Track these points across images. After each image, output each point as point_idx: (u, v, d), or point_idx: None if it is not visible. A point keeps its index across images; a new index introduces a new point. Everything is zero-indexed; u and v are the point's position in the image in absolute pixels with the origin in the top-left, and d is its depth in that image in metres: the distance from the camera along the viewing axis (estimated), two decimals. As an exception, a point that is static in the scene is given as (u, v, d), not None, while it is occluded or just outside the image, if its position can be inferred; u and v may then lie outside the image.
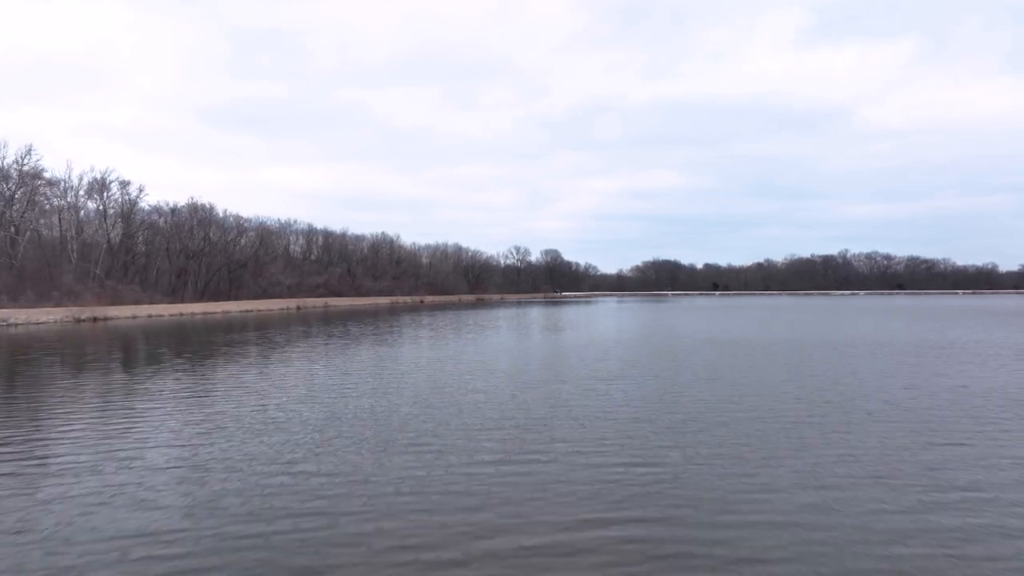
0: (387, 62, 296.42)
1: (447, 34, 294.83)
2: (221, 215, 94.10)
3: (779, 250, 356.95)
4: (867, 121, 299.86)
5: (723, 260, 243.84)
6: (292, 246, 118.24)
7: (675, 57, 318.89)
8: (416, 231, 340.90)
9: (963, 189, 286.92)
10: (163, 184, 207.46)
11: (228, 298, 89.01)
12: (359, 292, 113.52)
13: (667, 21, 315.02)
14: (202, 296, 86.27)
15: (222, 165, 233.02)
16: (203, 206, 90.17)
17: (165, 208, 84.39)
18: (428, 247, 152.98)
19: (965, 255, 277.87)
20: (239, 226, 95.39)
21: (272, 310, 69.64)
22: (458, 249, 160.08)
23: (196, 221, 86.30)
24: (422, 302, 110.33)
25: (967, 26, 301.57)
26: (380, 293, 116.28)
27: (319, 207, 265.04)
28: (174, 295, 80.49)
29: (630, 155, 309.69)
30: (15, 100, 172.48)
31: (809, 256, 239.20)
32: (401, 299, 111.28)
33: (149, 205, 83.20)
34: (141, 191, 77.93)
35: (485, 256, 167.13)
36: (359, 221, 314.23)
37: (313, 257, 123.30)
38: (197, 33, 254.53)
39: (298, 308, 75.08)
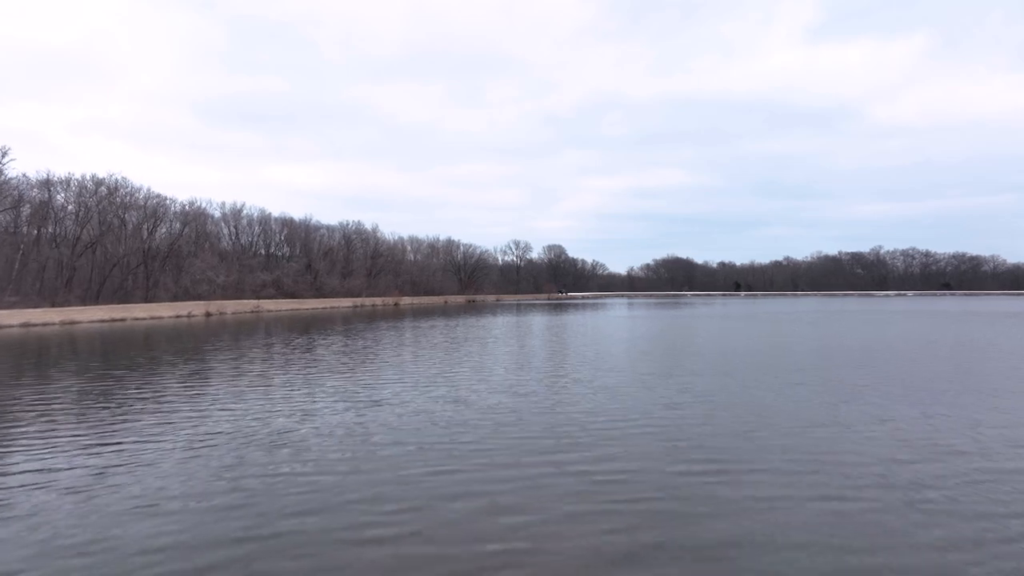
0: (392, 57, 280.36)
1: (453, 28, 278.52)
2: (139, 195, 74.08)
3: (783, 249, 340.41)
4: (878, 118, 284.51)
5: (726, 259, 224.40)
6: (243, 237, 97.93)
7: (684, 53, 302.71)
8: (417, 231, 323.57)
9: (972, 188, 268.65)
10: (162, 183, 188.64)
11: (143, 300, 69.28)
12: (321, 292, 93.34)
13: (676, 16, 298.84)
14: (96, 298, 66.41)
15: (223, 163, 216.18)
16: (109, 181, 70.20)
17: (46, 178, 64.00)
18: (413, 239, 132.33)
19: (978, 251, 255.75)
20: (159, 209, 75.16)
21: (163, 318, 49.49)
22: (449, 243, 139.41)
23: (87, 200, 66.24)
24: (396, 305, 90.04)
25: (979, 22, 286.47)
26: (349, 293, 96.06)
27: (319, 206, 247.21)
28: (55, 297, 60.65)
29: (636, 153, 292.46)
30: (13, 97, 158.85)
31: (836, 253, 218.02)
32: (370, 301, 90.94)
33: (21, 174, 63.10)
34: (4, 155, 57.81)
35: (480, 251, 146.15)
36: (359, 221, 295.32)
37: (272, 250, 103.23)
38: (195, 26, 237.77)
39: (208, 315, 54.87)
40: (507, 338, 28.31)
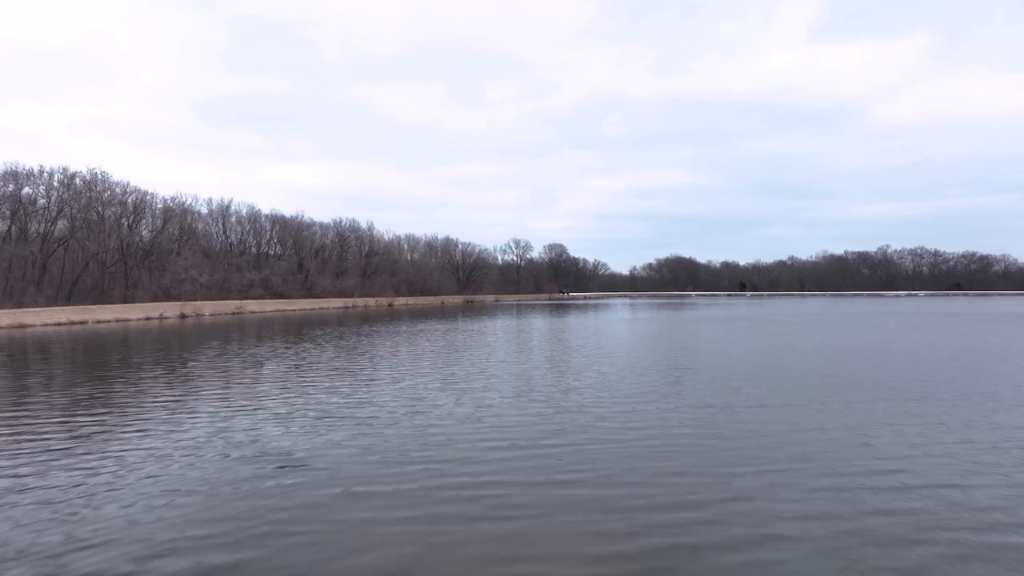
0: (392, 57, 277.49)
1: (453, 28, 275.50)
2: (117, 189, 69.97)
3: (783, 249, 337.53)
4: (878, 118, 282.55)
5: (728, 259, 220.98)
6: (232, 234, 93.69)
7: (684, 53, 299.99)
8: (418, 231, 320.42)
9: (972, 188, 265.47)
10: (162, 183, 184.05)
11: (121, 300, 65.19)
12: (312, 292, 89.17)
13: (676, 16, 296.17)
14: (68, 298, 62.25)
15: (223, 163, 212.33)
16: (84, 174, 66.09)
17: (13, 170, 59.81)
18: (410, 238, 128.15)
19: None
20: (139, 204, 71.02)
21: (130, 320, 45.34)
22: (447, 241, 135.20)
23: (60, 194, 62.09)
24: (390, 306, 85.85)
25: (979, 22, 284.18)
26: (341, 293, 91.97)
27: (319, 206, 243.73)
28: (22, 297, 56.50)
29: (636, 153, 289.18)
30: (13, 97, 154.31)
31: (842, 253, 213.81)
32: (362, 302, 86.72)
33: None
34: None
35: (479, 250, 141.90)
36: (354, 219, 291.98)
37: (262, 248, 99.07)
38: (195, 26, 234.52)
39: (183, 316, 50.70)
40: (506, 346, 24.14)
